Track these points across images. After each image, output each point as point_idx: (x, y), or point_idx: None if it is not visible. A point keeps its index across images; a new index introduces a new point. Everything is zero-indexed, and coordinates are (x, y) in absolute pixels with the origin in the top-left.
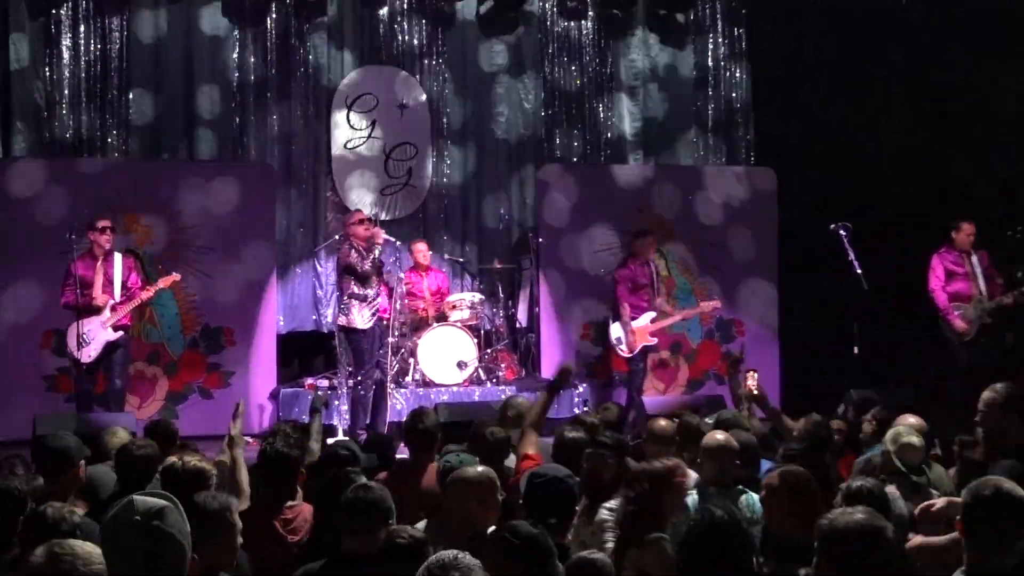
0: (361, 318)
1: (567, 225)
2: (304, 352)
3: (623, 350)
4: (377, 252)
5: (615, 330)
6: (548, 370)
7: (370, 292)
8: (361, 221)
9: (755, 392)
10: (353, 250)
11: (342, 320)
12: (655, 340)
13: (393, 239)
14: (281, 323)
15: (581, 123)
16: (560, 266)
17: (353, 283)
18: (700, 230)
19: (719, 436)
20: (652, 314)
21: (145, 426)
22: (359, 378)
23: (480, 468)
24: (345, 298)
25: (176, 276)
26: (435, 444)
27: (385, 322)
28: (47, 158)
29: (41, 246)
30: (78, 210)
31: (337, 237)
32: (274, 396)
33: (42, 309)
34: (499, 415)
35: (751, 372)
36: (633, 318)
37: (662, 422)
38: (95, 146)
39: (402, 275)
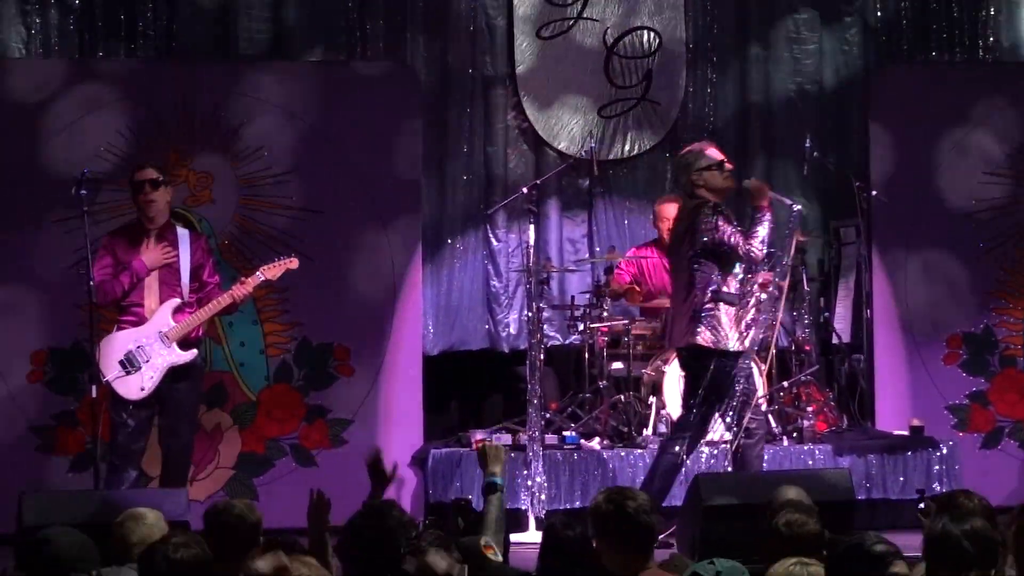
0: (733, 333)
1: (919, 166)
2: (469, 386)
3: None
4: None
5: None
6: (888, 417)
7: (739, 291)
8: (720, 164)
9: None
10: (720, 216)
11: (702, 336)
12: None
13: (787, 199)
14: (430, 337)
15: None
16: (911, 240)
17: (719, 274)
18: None
19: None
20: None
21: (206, 512)
22: (686, 428)
23: None
24: (708, 300)
25: (293, 261)
26: (651, 543)
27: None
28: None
29: (30, 208)
30: (87, 147)
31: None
32: (419, 461)
33: (32, 316)
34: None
35: None
36: None
37: None
38: (117, 38)
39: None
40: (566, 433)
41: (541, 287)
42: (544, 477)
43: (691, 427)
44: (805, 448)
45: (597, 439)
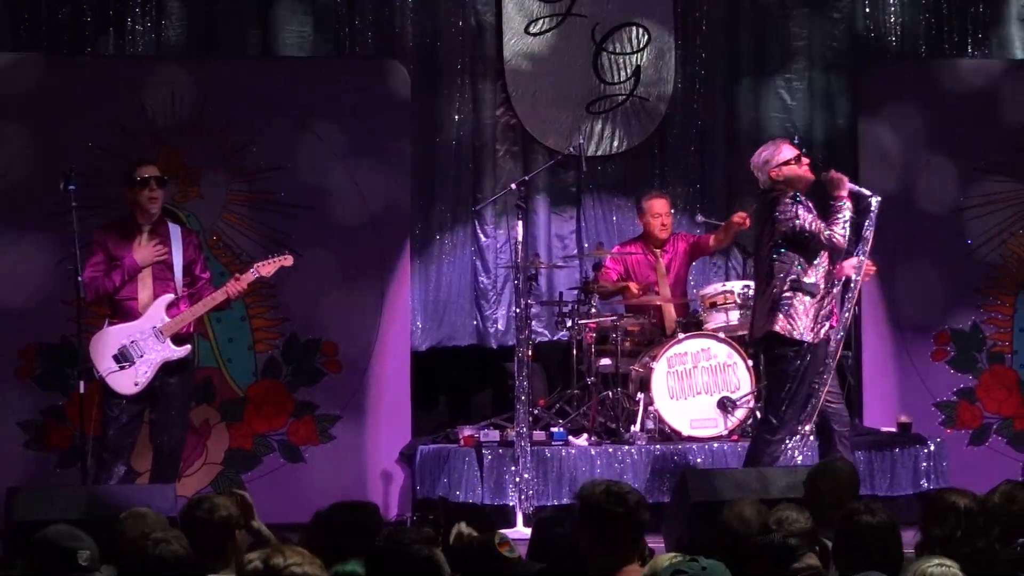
0: (809, 324)
1: (899, 163)
2: (458, 382)
3: None
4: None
5: None
6: (876, 414)
7: (821, 282)
8: (798, 158)
9: None
10: (800, 205)
11: (780, 324)
12: None
13: (866, 190)
14: (419, 333)
15: None
16: (899, 236)
17: (799, 264)
18: None
19: None
20: None
21: (184, 507)
22: (779, 423)
23: None
24: (787, 289)
25: (288, 258)
26: (641, 538)
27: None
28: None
29: (16, 204)
30: (76, 139)
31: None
32: (407, 458)
33: (18, 310)
34: (806, 492)
35: None
36: None
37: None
38: (105, 34)
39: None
40: (554, 429)
41: (529, 283)
42: (532, 473)
43: (779, 418)
44: (791, 444)
45: (585, 435)
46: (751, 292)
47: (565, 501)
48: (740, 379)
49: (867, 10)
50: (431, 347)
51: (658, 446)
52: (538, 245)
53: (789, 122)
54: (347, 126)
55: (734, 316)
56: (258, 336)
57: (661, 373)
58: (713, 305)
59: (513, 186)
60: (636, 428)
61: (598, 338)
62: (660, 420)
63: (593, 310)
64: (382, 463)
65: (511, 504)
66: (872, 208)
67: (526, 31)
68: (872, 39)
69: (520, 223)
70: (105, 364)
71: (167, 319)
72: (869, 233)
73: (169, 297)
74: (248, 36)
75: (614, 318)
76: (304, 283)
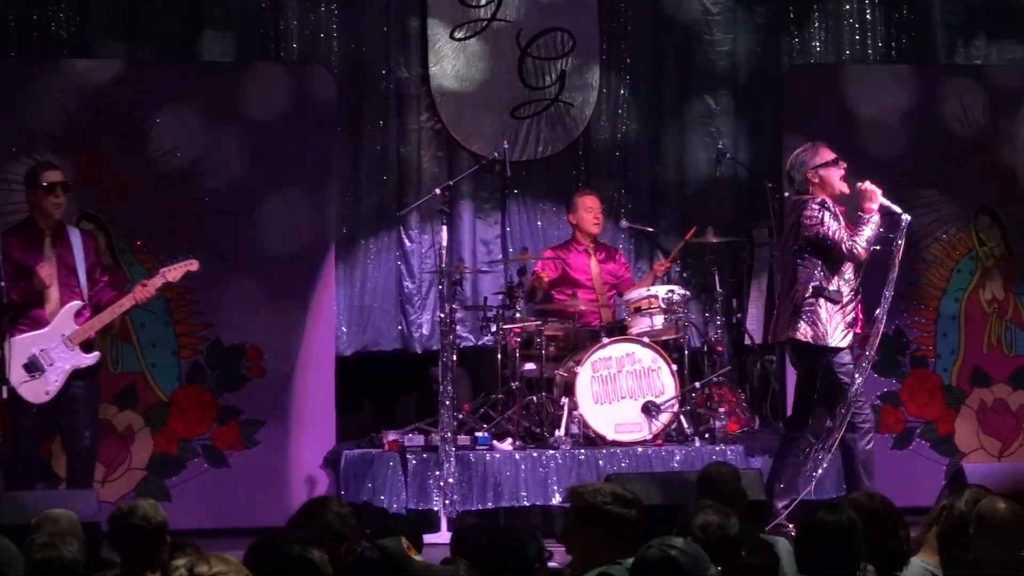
0: (833, 330)
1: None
2: (383, 387)
3: None
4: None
5: None
6: None
7: (844, 288)
8: (836, 162)
9: None
10: (827, 212)
11: (802, 331)
12: None
13: (896, 207)
14: (344, 338)
15: None
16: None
17: (821, 270)
18: None
19: None
20: None
21: (111, 516)
22: (805, 425)
23: None
24: (809, 295)
25: (193, 263)
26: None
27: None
28: None
29: None
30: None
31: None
32: (331, 463)
33: None
34: (697, 494)
35: None
36: None
37: (1001, 504)
38: (28, 37)
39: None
40: (478, 434)
41: (454, 288)
42: (456, 478)
43: (806, 424)
44: (717, 449)
45: (509, 440)
46: (676, 297)
47: (489, 505)
48: (664, 383)
49: (792, 16)
50: (356, 352)
51: (582, 451)
52: (463, 250)
53: (714, 127)
54: (272, 131)
55: (659, 320)
56: (182, 342)
57: (585, 377)
58: (638, 310)
59: (437, 191)
60: (560, 432)
61: (523, 343)
62: (584, 424)
63: (518, 315)
64: (306, 468)
65: (435, 508)
66: (902, 225)
67: (451, 37)
68: (797, 45)
69: (445, 228)
70: (16, 374)
71: (75, 327)
72: (898, 249)
73: (76, 304)
74: (173, 40)
75: (539, 323)
76: (228, 289)
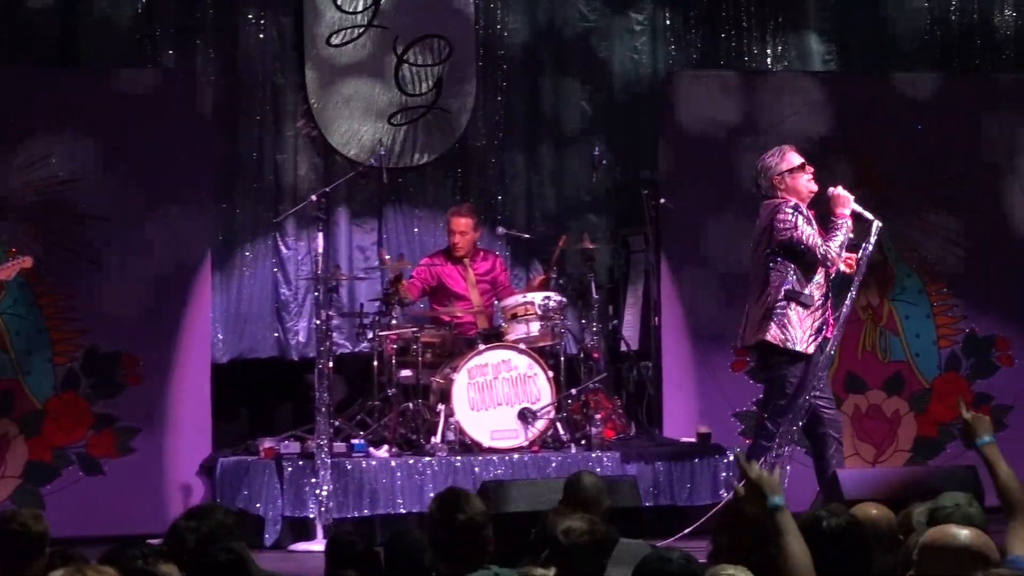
0: (803, 334)
1: (710, 174)
2: (259, 394)
3: None
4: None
5: None
6: (676, 424)
7: (816, 292)
8: (803, 167)
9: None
10: (800, 216)
11: (772, 334)
12: None
13: (868, 213)
14: (220, 345)
15: None
16: (698, 247)
17: (794, 274)
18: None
19: (963, 536)
20: None
21: None
22: (776, 430)
23: None
24: (781, 298)
25: (26, 260)
26: (488, 550)
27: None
28: None
29: None
30: None
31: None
32: (207, 470)
33: None
34: (563, 501)
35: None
36: None
37: (873, 511)
38: None
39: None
40: (355, 441)
41: (330, 295)
42: (332, 485)
43: (777, 425)
44: (593, 455)
45: (386, 447)
46: (552, 303)
47: (365, 513)
48: (540, 390)
49: (668, 22)
50: (232, 359)
51: (458, 457)
52: (339, 257)
53: (591, 133)
54: (149, 138)
55: (535, 327)
56: (57, 349)
57: (462, 384)
58: (515, 316)
59: (314, 198)
60: (437, 439)
61: (399, 349)
62: (461, 431)
63: (394, 321)
64: (182, 476)
65: (311, 516)
66: (873, 230)
67: (327, 42)
68: (673, 52)
69: (321, 235)
70: None
71: None
72: (866, 254)
73: None
74: (49, 46)
75: (415, 330)
76: (104, 295)
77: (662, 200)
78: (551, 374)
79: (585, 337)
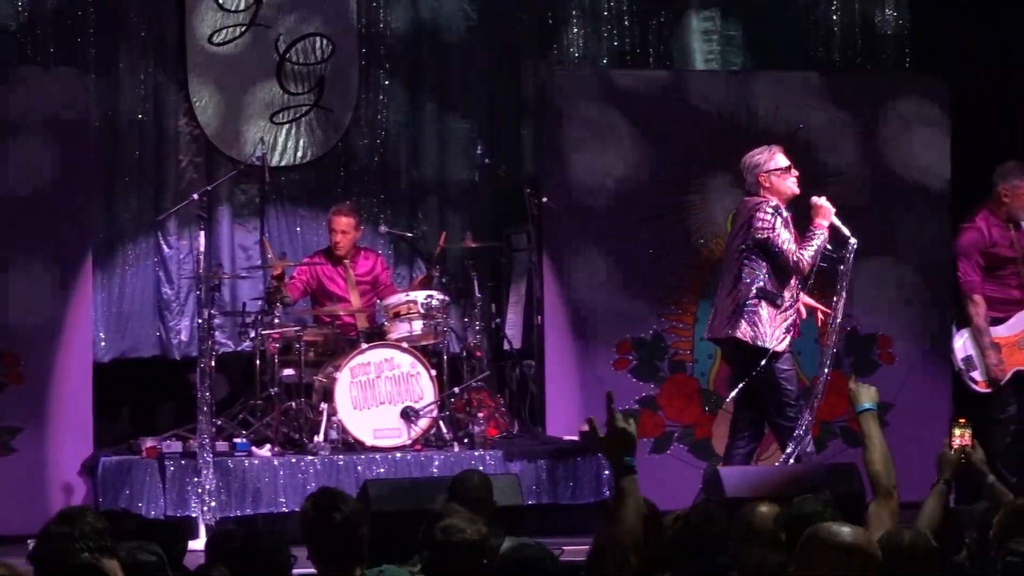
0: (772, 332)
1: (594, 173)
2: (141, 393)
3: (977, 380)
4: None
5: (962, 345)
6: (558, 423)
7: (786, 294)
8: (788, 169)
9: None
10: (779, 219)
11: (742, 330)
12: None
13: (846, 229)
14: (101, 344)
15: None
16: (581, 246)
17: (767, 273)
18: None
19: (846, 534)
20: None
21: None
22: (797, 418)
23: None
24: (753, 296)
25: None
26: (363, 549)
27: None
28: None
29: None
30: None
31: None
32: (89, 469)
33: None
34: (448, 500)
35: (958, 423)
36: (997, 320)
37: (763, 508)
38: None
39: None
40: (237, 440)
41: (212, 294)
42: (214, 484)
43: (797, 414)
44: (476, 454)
45: (268, 446)
46: (434, 302)
47: (248, 512)
48: (423, 389)
49: (551, 22)
50: (114, 358)
51: (341, 456)
52: (221, 256)
53: (473, 132)
54: (26, 135)
55: (417, 326)
56: None
57: (344, 383)
58: (397, 315)
59: (196, 196)
60: (319, 438)
61: (282, 348)
62: (343, 430)
63: (277, 320)
64: (64, 475)
65: (194, 515)
66: (849, 249)
67: (209, 41)
68: (553, 50)
69: (203, 234)
70: None
71: None
72: (844, 276)
73: None
74: None
75: (297, 328)
76: None
77: (544, 199)
78: (434, 373)
79: (468, 336)
